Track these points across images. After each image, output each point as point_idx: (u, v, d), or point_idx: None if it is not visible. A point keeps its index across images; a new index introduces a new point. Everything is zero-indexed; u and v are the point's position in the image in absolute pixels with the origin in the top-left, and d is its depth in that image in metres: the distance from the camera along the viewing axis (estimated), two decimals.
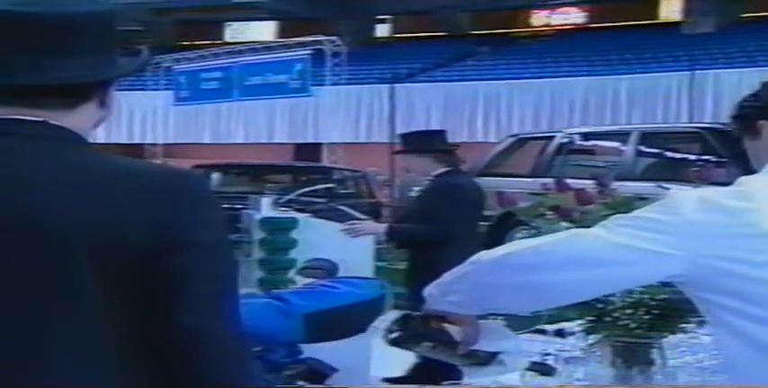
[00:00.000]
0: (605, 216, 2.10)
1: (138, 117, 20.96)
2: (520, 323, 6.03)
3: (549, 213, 2.00)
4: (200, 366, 1.14)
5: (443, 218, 4.23)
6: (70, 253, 1.11)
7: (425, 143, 4.50)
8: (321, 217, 7.93)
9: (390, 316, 4.90)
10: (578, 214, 2.00)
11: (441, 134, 4.75)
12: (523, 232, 2.15)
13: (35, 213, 1.12)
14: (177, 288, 1.13)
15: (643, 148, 8.35)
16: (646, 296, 2.03)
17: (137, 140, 20.85)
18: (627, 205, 2.12)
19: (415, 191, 4.47)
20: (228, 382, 1.15)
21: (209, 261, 1.15)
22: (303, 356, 2.71)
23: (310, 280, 1.95)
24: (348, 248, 4.19)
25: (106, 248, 1.12)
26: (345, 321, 1.84)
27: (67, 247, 1.11)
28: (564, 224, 1.98)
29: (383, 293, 1.91)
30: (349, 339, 3.37)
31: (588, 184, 2.17)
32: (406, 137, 4.70)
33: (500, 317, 6.12)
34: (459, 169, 4.59)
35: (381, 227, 4.33)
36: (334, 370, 2.73)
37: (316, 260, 1.97)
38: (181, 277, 1.13)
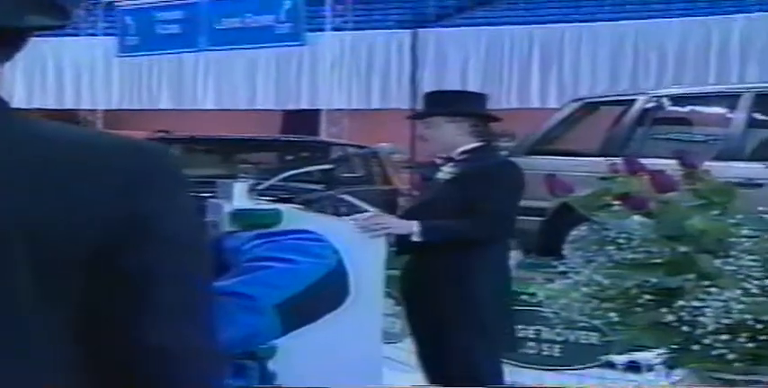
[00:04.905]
0: (693, 209, 2.10)
1: (70, 73, 21.00)
2: (582, 355, 6.08)
3: (615, 203, 2.01)
4: None
5: (489, 211, 4.28)
6: (6, 251, 1.13)
7: (460, 106, 4.55)
8: (316, 209, 7.97)
9: (408, 345, 4.94)
10: (656, 204, 1.99)
11: (480, 98, 4.82)
12: (582, 229, 2.15)
13: None
14: (139, 294, 1.16)
15: (758, 116, 8.32)
16: (748, 316, 2.03)
17: (68, 105, 20.90)
18: (723, 193, 2.12)
19: (444, 173, 4.50)
20: None
21: (179, 260, 1.18)
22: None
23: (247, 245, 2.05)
24: (353, 253, 4.20)
25: (52, 244, 1.14)
26: (320, 300, 1.96)
27: (3, 244, 1.13)
28: (636, 218, 1.99)
29: (339, 253, 2.02)
30: (359, 371, 3.42)
31: (671, 165, 2.18)
32: (434, 97, 4.76)
33: (557, 346, 6.18)
34: (493, 145, 4.62)
35: (412, 224, 4.36)
36: None
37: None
38: (143, 280, 1.16)
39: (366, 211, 5.29)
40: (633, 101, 9.20)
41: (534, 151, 8.87)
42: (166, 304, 1.17)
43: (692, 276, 2.07)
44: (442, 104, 4.60)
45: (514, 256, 5.56)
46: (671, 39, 17.86)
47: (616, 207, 2.14)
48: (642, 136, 8.59)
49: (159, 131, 14.83)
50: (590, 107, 9.85)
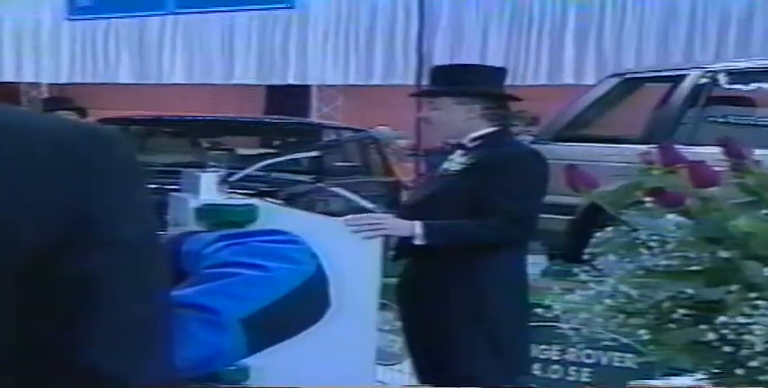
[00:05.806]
0: (739, 206, 2.12)
1: (10, 40, 21.04)
2: (616, 379, 6.13)
3: (647, 199, 2.03)
4: None
5: (505, 209, 4.31)
6: None
7: (472, 83, 4.58)
8: (303, 205, 7.99)
9: (408, 367, 5.00)
10: (695, 201, 2.02)
11: (495, 73, 4.84)
12: (608, 230, 2.18)
13: None
14: (85, 309, 1.17)
15: None
16: None
17: (7, 77, 20.94)
18: None
19: (452, 163, 4.54)
20: None
21: (133, 268, 1.19)
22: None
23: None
24: (342, 257, 4.24)
25: None
26: (296, 313, 1.96)
27: None
28: (671, 217, 2.01)
29: (318, 257, 2.02)
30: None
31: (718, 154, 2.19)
32: (440, 72, 4.80)
33: (585, 369, 6.26)
34: (509, 131, 4.66)
35: (414, 225, 4.39)
36: None
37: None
38: (91, 291, 1.17)
39: (364, 208, 5.32)
40: (684, 76, 9.20)
41: (564, 136, 8.89)
42: (117, 321, 1.18)
43: (735, 286, 2.09)
44: (451, 81, 4.61)
45: (536, 261, 5.58)
46: (734, 2, 17.77)
47: (648, 205, 2.16)
48: (694, 118, 8.60)
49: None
50: (632, 83, 9.84)
